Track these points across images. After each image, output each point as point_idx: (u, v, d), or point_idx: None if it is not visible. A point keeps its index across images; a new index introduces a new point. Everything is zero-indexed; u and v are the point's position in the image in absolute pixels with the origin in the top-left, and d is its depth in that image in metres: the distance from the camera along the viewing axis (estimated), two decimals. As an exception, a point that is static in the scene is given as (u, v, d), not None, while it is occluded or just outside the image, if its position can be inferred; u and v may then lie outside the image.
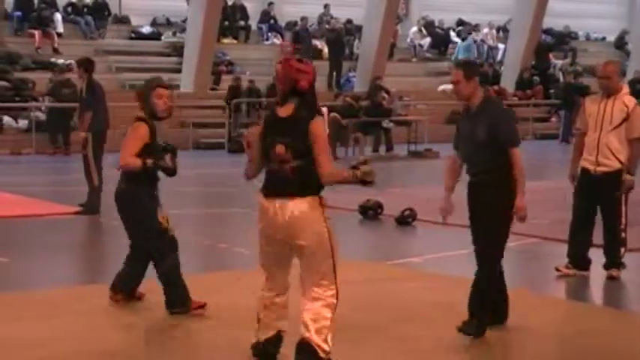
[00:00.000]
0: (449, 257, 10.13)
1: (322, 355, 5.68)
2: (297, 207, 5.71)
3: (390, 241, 11.88)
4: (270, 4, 31.25)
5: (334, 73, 28.85)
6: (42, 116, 23.15)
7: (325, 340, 5.70)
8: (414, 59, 32.67)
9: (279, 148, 5.73)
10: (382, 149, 23.80)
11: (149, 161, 7.25)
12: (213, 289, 8.00)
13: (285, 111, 5.83)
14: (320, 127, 5.81)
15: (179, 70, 26.84)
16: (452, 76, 7.02)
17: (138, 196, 7.40)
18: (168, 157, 7.36)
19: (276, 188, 5.78)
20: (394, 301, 7.98)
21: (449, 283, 8.62)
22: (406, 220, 12.32)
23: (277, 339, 6.01)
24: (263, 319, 6.00)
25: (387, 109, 24.61)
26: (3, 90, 23.27)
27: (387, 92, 26.07)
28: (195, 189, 16.51)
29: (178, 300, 7.32)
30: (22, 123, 23.19)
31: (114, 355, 6.42)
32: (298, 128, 5.73)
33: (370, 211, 12.83)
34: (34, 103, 23.55)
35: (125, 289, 7.64)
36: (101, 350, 6.48)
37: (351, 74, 29.77)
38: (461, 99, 7.01)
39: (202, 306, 7.34)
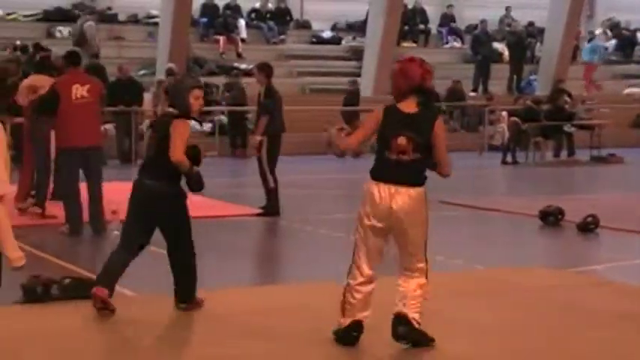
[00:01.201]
0: (634, 265, 9.80)
1: (417, 325, 6.26)
2: (410, 194, 6.20)
3: (572, 247, 11.59)
4: (450, 6, 31.07)
5: (514, 77, 28.44)
6: (225, 119, 23.75)
7: (418, 313, 6.27)
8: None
9: (402, 140, 6.18)
10: (564, 154, 23.28)
11: (196, 169, 7.19)
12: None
13: (407, 107, 6.27)
14: (443, 127, 6.40)
15: (358, 74, 26.99)
16: None
17: (183, 196, 7.35)
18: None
19: (391, 175, 6.21)
20: (579, 309, 7.75)
21: (635, 293, 8.34)
22: (588, 226, 11.99)
23: (359, 326, 6.33)
24: (348, 307, 6.29)
25: (569, 112, 24.05)
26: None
27: (570, 95, 25.48)
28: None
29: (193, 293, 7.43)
30: (207, 126, 23.84)
31: (299, 354, 6.47)
32: (422, 125, 6.24)
33: (551, 217, 12.55)
34: (217, 107, 24.18)
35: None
36: (288, 349, 6.55)
37: (532, 77, 29.26)
38: None
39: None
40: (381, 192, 6.22)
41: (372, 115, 6.36)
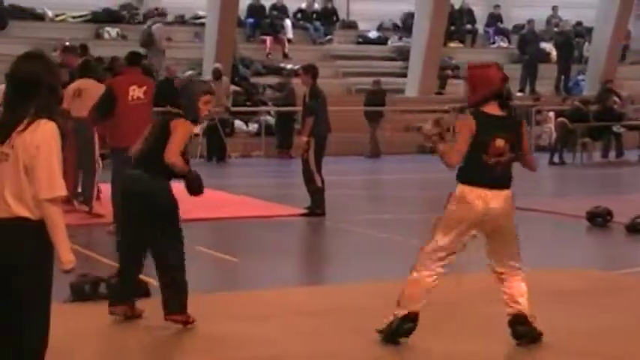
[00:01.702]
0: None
1: (534, 322, 6.47)
2: (505, 196, 6.38)
3: (621, 249, 11.48)
4: (497, 6, 30.89)
5: (562, 77, 28.21)
6: (271, 120, 23.82)
7: (530, 310, 6.48)
8: (647, 62, 31.49)
9: (499, 142, 6.33)
10: (612, 155, 23.06)
11: (194, 171, 6.91)
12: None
13: (494, 110, 6.47)
14: (525, 127, 6.74)
15: (404, 75, 26.93)
16: None
17: (172, 193, 6.92)
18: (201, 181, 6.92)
19: (488, 179, 6.34)
20: (629, 312, 7.66)
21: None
22: (637, 227, 11.86)
23: (416, 317, 6.47)
24: (406, 298, 6.44)
25: (618, 113, 23.82)
26: (235, 95, 24.08)
27: (619, 96, 25.23)
28: (416, 193, 16.51)
29: (184, 305, 6.90)
30: (252, 126, 23.94)
31: (343, 355, 6.49)
32: (513, 126, 6.51)
33: (599, 218, 12.43)
34: (263, 108, 24.25)
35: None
36: (333, 350, 6.56)
37: (580, 77, 29.00)
38: None
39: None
40: (479, 196, 6.33)
41: (465, 124, 6.40)
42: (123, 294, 7.03)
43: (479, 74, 6.53)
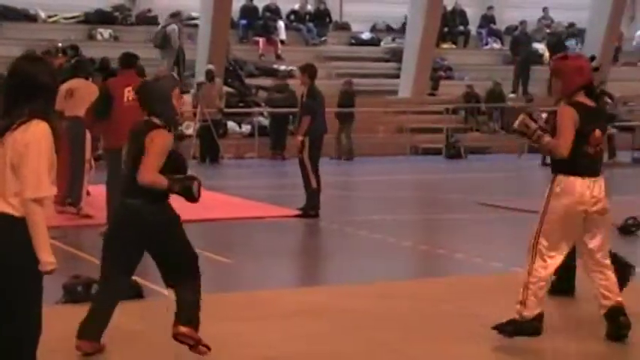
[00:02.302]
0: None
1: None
2: (602, 184, 6.58)
3: (613, 250, 11.45)
4: (490, 8, 30.93)
5: (555, 78, 28.24)
6: (264, 121, 23.81)
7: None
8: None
9: (598, 133, 6.54)
10: (605, 156, 23.06)
11: (177, 187, 6.05)
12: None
13: (587, 101, 6.57)
14: None
15: (397, 76, 26.96)
16: None
17: (174, 214, 6.25)
18: (195, 186, 6.12)
19: (591, 168, 6.53)
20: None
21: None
22: (630, 229, 11.88)
23: (542, 316, 6.47)
24: (532, 299, 6.43)
25: (610, 114, 23.83)
26: (228, 96, 24.08)
27: (611, 97, 25.23)
28: (410, 194, 16.51)
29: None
30: (245, 128, 23.92)
31: (341, 356, 6.48)
32: (603, 116, 6.90)
33: (592, 220, 12.43)
34: (256, 109, 24.24)
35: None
36: (330, 351, 6.55)
37: (572, 79, 29.01)
38: None
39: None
40: (585, 185, 6.46)
41: (567, 115, 6.47)
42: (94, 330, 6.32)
43: (572, 65, 6.60)
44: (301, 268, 10.60)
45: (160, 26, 24.63)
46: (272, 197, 15.21)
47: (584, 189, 6.46)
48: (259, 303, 7.95)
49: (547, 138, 6.48)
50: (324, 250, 11.64)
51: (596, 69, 6.80)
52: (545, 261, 6.49)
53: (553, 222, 6.48)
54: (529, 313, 6.45)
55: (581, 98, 6.54)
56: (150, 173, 6.00)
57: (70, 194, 12.51)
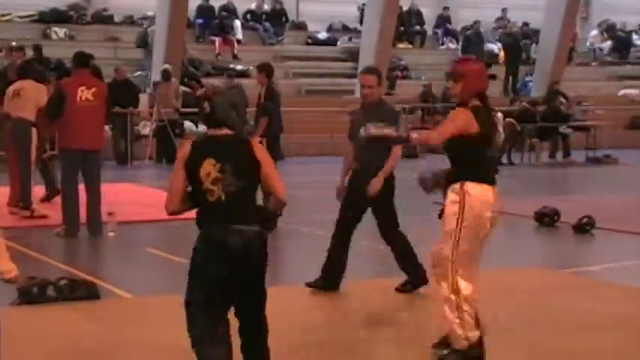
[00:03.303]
0: (630, 267, 9.81)
1: None
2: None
3: (567, 249, 11.61)
4: (446, 8, 31.11)
5: (510, 78, 28.47)
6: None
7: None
8: (593, 63, 31.87)
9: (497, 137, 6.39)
10: (559, 155, 23.32)
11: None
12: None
13: (485, 105, 6.31)
14: None
15: (354, 76, 26.99)
16: None
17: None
18: None
19: (494, 174, 6.31)
20: (574, 311, 7.76)
21: (631, 294, 8.36)
22: (584, 227, 12.01)
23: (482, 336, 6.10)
24: (470, 319, 6.03)
25: (565, 114, 24.11)
26: (185, 96, 23.99)
27: (565, 97, 25.53)
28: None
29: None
30: (202, 128, 23.84)
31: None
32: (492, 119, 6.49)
33: (546, 218, 12.57)
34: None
35: None
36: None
37: (527, 79, 29.29)
38: None
39: None
40: (494, 194, 6.10)
41: (462, 116, 6.14)
42: None
43: (480, 70, 6.34)
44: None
45: (142, 27, 24.70)
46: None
47: (493, 197, 6.08)
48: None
49: (414, 134, 6.14)
50: (281, 250, 11.61)
51: (493, 76, 6.59)
52: (471, 279, 6.19)
53: (472, 237, 6.09)
54: (474, 334, 6.07)
55: (475, 102, 6.21)
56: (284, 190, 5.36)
57: (21, 198, 12.37)
